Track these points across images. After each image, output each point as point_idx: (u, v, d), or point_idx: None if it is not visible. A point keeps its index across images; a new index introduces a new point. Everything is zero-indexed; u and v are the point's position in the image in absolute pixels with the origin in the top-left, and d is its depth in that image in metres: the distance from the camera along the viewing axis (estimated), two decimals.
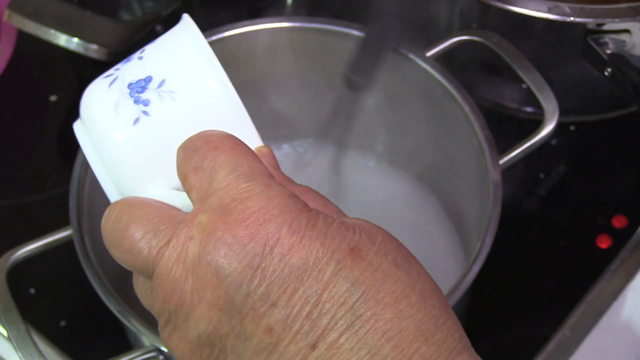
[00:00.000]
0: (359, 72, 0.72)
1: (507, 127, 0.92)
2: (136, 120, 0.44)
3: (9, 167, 0.96)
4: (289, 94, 0.83)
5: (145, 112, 0.44)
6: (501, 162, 0.71)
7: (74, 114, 1.00)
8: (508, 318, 0.82)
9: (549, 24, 0.81)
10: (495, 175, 0.69)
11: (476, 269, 0.64)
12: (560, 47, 0.85)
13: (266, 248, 0.37)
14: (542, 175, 0.89)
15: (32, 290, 0.84)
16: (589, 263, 0.84)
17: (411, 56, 0.75)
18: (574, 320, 0.81)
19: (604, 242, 0.85)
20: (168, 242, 0.40)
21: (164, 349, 0.62)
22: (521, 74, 0.76)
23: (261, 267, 0.37)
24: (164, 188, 0.44)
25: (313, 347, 0.37)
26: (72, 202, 0.70)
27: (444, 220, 0.83)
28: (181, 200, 0.43)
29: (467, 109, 0.73)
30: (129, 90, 0.45)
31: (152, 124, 0.44)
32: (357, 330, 0.37)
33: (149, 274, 0.41)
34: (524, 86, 0.76)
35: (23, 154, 0.98)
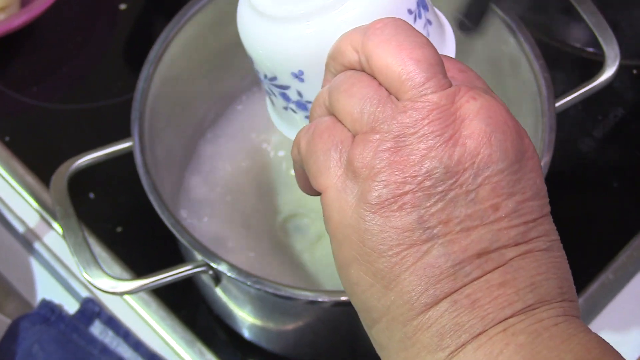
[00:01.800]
0: (472, 16, 0.71)
1: (569, 66, 0.91)
2: (410, 12, 0.48)
3: (77, 73, 0.98)
4: None
5: (417, 16, 0.48)
6: (558, 104, 0.71)
7: (142, 22, 1.03)
8: None
9: None
10: (549, 119, 0.69)
11: None
12: None
13: (526, 154, 0.41)
14: (599, 117, 0.89)
15: (92, 195, 0.87)
16: None
17: None
18: (618, 263, 0.81)
19: None
20: (450, 86, 0.41)
21: (214, 264, 0.64)
22: (585, 17, 0.75)
23: (520, 163, 0.41)
24: None
25: (517, 244, 0.40)
26: (134, 115, 0.71)
27: None
28: None
29: (527, 49, 0.72)
30: None
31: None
32: (549, 257, 0.41)
33: (409, 94, 0.40)
34: (588, 26, 0.76)
35: (91, 61, 0.99)
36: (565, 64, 0.91)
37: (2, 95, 0.95)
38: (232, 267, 0.63)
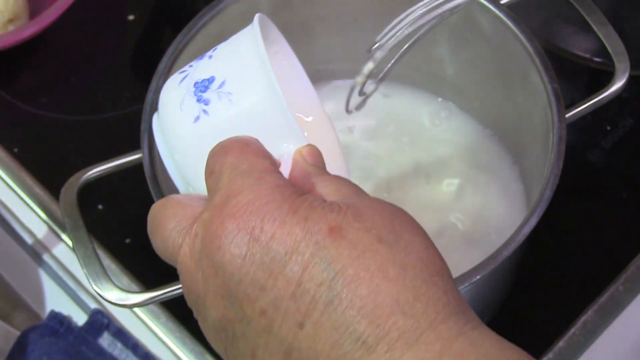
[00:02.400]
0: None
1: (578, 76, 0.91)
2: (196, 118, 0.48)
3: (86, 84, 0.98)
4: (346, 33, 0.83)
5: (205, 111, 0.47)
6: (568, 115, 0.70)
7: (150, 33, 1.03)
8: (564, 266, 0.82)
9: None
10: (560, 130, 0.68)
11: (533, 222, 0.64)
12: None
13: (252, 237, 0.39)
14: (608, 127, 0.88)
15: (100, 206, 0.86)
16: None
17: (485, 3, 0.74)
18: (628, 274, 0.81)
19: None
20: (184, 238, 0.42)
21: None
22: (594, 27, 0.75)
23: (248, 255, 0.39)
24: None
25: (301, 325, 0.38)
26: (143, 127, 0.70)
27: (508, 166, 0.83)
28: None
29: (537, 60, 0.72)
30: (194, 89, 0.48)
31: (210, 122, 0.47)
32: (335, 308, 0.37)
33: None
34: (597, 37, 0.75)
35: (100, 72, 0.99)
36: (574, 73, 0.91)
37: (10, 106, 0.95)
38: None
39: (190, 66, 0.49)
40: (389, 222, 0.40)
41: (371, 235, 0.39)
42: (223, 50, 0.49)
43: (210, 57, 0.49)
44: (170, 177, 0.51)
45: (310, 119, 0.57)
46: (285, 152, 0.47)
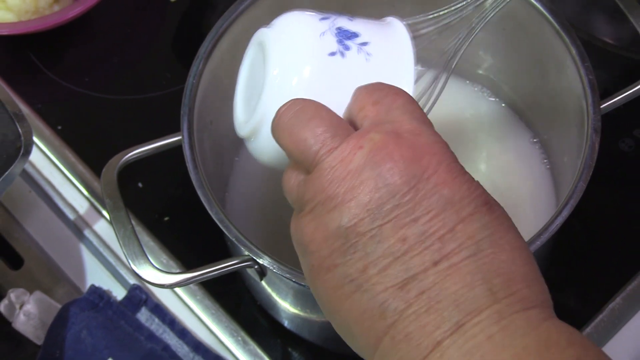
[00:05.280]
0: None
1: (614, 65, 0.88)
2: (332, 53, 0.50)
3: (127, 64, 0.96)
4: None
5: (341, 53, 0.50)
6: (602, 106, 0.68)
7: (191, 15, 1.01)
8: (592, 254, 0.80)
9: None
10: (594, 122, 0.66)
11: (566, 213, 0.62)
12: None
13: (425, 174, 0.42)
14: None
15: (140, 184, 0.85)
16: None
17: None
18: None
19: None
20: (339, 144, 0.44)
21: (259, 260, 0.62)
22: (630, 17, 0.72)
23: (416, 187, 0.42)
24: None
25: (435, 263, 0.41)
26: (183, 110, 0.69)
27: (539, 156, 0.80)
28: None
29: (574, 51, 0.69)
30: (336, 31, 0.50)
31: (342, 64, 0.49)
32: (477, 260, 0.41)
33: (310, 167, 0.45)
34: (633, 26, 0.73)
35: (141, 52, 0.98)
36: (608, 62, 0.88)
37: (55, 84, 0.93)
38: (277, 262, 0.61)
39: (326, 17, 0.51)
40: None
41: (509, 222, 0.44)
42: (365, 22, 0.52)
43: (350, 19, 0.51)
44: (236, 99, 0.55)
45: None
46: None
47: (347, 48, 0.50)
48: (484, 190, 0.44)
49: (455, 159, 0.44)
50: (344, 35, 0.50)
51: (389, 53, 0.51)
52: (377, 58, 0.50)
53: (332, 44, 0.50)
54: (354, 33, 0.50)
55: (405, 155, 0.42)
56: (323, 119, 0.45)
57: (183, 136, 0.67)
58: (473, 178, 0.44)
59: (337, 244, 0.43)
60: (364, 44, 0.50)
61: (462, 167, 0.44)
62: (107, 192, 0.67)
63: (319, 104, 0.47)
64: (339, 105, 0.48)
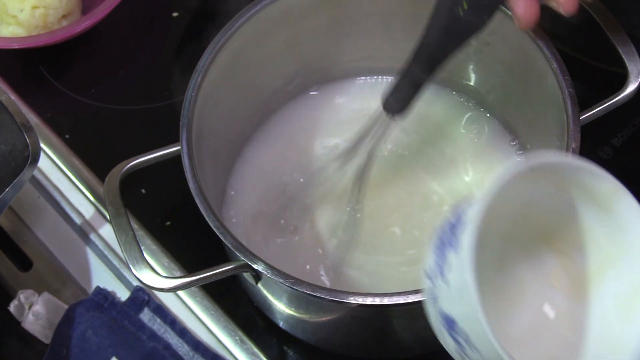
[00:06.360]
0: (397, 97, 0.70)
1: (590, 77, 0.89)
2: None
3: (132, 76, 0.98)
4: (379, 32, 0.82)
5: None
6: (582, 117, 0.69)
7: (193, 30, 1.02)
8: None
9: None
10: (574, 132, 0.67)
11: None
12: None
13: None
14: (618, 126, 0.87)
15: (143, 190, 0.87)
16: None
17: (506, 10, 0.73)
18: None
19: None
20: None
21: (254, 265, 0.63)
22: (608, 33, 0.73)
23: None
24: None
25: None
26: (182, 121, 0.70)
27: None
28: None
29: (554, 65, 0.71)
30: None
31: None
32: None
33: None
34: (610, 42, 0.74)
35: (145, 65, 0.99)
36: (587, 75, 0.89)
37: (63, 95, 0.95)
38: (271, 268, 0.63)
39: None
40: None
41: None
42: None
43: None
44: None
45: None
46: None
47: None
48: None
49: None
50: (446, 243, 0.50)
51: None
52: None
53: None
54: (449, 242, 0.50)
55: None
56: None
57: (182, 146, 0.69)
58: None
59: None
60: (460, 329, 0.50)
61: None
62: (109, 200, 0.69)
63: None
64: None
